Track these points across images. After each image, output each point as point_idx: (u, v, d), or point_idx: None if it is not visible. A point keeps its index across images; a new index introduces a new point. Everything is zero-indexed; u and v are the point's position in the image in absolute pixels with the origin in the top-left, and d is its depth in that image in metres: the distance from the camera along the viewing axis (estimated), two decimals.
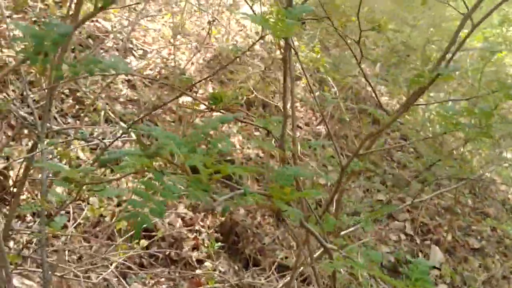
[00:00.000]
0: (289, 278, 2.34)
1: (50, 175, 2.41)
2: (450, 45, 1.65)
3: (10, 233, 2.24)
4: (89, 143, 2.88)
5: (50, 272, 1.66)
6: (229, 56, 5.66)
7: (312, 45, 3.59)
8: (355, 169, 1.64)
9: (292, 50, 1.51)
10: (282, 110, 1.18)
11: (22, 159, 2.82)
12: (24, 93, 2.59)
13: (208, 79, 4.85)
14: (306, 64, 2.58)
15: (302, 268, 1.97)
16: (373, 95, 6.39)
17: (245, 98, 4.51)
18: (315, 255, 2.19)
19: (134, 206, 0.55)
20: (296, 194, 0.72)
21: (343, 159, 1.45)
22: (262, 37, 1.62)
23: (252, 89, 4.25)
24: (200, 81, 2.12)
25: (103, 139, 2.56)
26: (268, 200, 0.73)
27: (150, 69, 5.54)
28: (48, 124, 3.13)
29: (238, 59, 5.57)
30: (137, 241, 2.85)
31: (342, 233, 2.07)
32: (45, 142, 1.33)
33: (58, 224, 1.19)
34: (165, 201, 0.54)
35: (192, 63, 5.55)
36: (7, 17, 4.95)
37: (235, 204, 0.67)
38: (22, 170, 2.01)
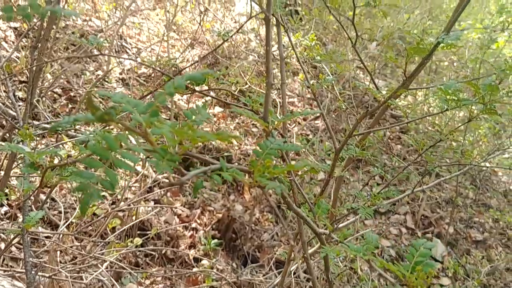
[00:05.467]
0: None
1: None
2: (451, 22, 1.57)
3: None
4: (75, 139, 2.80)
5: (34, 272, 1.59)
6: (225, 52, 5.59)
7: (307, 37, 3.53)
8: (351, 156, 1.56)
9: (283, 27, 1.44)
10: (265, 76, 1.10)
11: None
12: (8, 90, 2.52)
13: (195, 66, 4.76)
14: (300, 54, 2.51)
15: (300, 262, 1.89)
16: (371, 87, 6.31)
17: (238, 89, 4.43)
18: (313, 249, 2.12)
19: (81, 177, 0.47)
20: (280, 169, 0.64)
21: (338, 145, 1.37)
22: (251, 17, 1.54)
23: (246, 82, 4.18)
24: (187, 67, 2.04)
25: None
26: (250, 177, 0.65)
27: (145, 67, 5.47)
28: (36, 122, 3.04)
29: (233, 54, 5.49)
30: (131, 239, 2.77)
31: (341, 225, 1.99)
32: (19, 134, 1.26)
33: (33, 220, 1.11)
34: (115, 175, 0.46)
35: (187, 60, 5.47)
36: None
37: (210, 182, 0.59)
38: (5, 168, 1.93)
